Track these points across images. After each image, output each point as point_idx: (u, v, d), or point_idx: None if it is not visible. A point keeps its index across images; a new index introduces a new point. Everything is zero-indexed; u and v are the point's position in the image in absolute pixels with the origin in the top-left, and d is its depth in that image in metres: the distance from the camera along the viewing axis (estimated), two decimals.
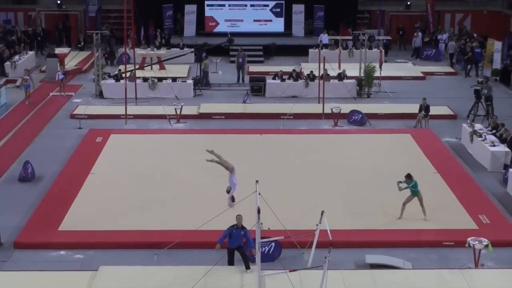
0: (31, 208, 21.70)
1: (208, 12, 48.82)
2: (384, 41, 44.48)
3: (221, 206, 18.53)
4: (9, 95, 34.27)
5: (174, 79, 35.93)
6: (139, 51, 40.18)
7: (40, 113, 32.68)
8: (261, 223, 15.62)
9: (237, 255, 17.77)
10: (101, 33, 38.24)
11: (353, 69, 37.43)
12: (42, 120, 31.53)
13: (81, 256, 18.97)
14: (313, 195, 22.56)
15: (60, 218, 20.84)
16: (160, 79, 35.51)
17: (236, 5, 48.90)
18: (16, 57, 40.54)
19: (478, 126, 27.92)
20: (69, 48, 44.41)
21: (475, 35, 45.58)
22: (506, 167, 24.81)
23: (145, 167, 25.27)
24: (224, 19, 48.81)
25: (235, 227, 17.52)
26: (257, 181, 17.20)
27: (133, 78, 34.15)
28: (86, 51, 44.87)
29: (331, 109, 30.81)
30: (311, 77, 35.64)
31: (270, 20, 48.91)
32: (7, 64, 39.18)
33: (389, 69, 39.87)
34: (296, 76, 36.11)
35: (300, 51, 44.23)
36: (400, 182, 20.66)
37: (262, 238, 15.78)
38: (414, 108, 31.29)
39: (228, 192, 19.55)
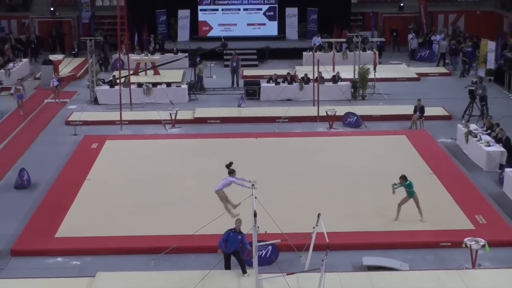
0: (28, 215, 21.66)
1: (201, 16, 48.85)
2: (378, 42, 44.52)
3: (217, 211, 18.50)
4: (3, 103, 34.23)
5: (168, 84, 35.93)
6: (133, 57, 40.14)
7: (35, 120, 32.66)
8: (258, 227, 15.63)
9: (233, 259, 17.76)
10: (95, 40, 38.33)
11: (347, 71, 37.47)
12: (37, 127, 31.51)
13: (78, 262, 18.95)
14: (309, 198, 22.56)
15: (57, 224, 20.82)
16: (155, 85, 35.50)
17: (230, 9, 48.94)
18: (10, 64, 40.50)
19: (473, 126, 27.97)
20: (63, 55, 44.36)
21: (466, 35, 45.80)
22: (501, 167, 24.84)
23: (141, 173, 25.25)
24: (217, 23, 48.85)
25: (232, 231, 17.51)
26: (253, 185, 17.20)
27: (127, 84, 34.13)
28: (80, 58, 44.86)
29: (326, 112, 30.83)
30: (305, 80, 35.66)
31: (264, 24, 48.96)
32: (1, 71, 39.11)
33: (383, 70, 39.94)
34: (290, 79, 36.14)
35: (294, 54, 44.32)
36: (395, 184, 20.67)
37: (259, 241, 15.78)
38: (409, 109, 31.33)
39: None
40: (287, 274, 16.13)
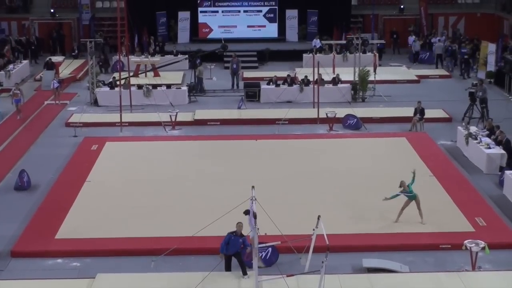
0: (28, 217, 21.66)
1: (201, 18, 48.84)
2: (378, 45, 44.54)
3: (217, 212, 18.49)
4: (3, 105, 34.21)
5: (168, 86, 35.93)
6: (133, 59, 40.16)
7: (35, 121, 32.65)
8: (258, 229, 15.63)
9: (234, 261, 17.76)
10: (95, 41, 38.28)
11: (348, 74, 37.47)
12: (37, 128, 31.50)
13: (78, 264, 18.95)
14: (309, 200, 22.56)
15: (57, 226, 20.82)
16: (155, 86, 35.51)
17: (230, 11, 48.93)
18: (10, 66, 40.48)
19: (473, 128, 27.96)
20: (63, 57, 44.34)
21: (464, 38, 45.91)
22: (501, 169, 24.84)
23: (141, 174, 25.26)
24: (217, 25, 48.83)
25: (234, 234, 17.51)
26: (253, 187, 17.22)
27: (127, 85, 34.12)
28: (80, 59, 44.81)
29: (326, 114, 30.84)
30: (305, 82, 35.66)
31: (264, 26, 48.95)
32: (1, 73, 39.11)
33: (384, 72, 39.95)
34: (290, 81, 36.13)
35: (294, 56, 44.31)
36: (397, 195, 20.63)
37: (259, 243, 15.78)
38: (409, 111, 31.32)
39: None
40: (287, 276, 16.15)
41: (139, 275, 17.83)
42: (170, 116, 31.23)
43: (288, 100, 34.86)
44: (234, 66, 38.94)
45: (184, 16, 48.38)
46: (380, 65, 40.79)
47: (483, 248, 17.71)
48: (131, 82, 35.27)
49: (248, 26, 48.88)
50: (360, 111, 32.10)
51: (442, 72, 42.50)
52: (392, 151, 27.60)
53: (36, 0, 50.50)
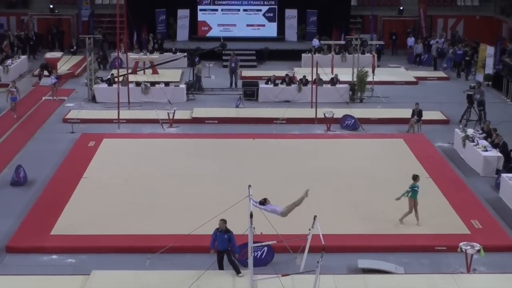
0: (23, 212, 21.65)
1: (201, 16, 48.86)
2: (377, 46, 44.56)
3: (213, 211, 18.47)
4: (1, 100, 34.17)
5: (167, 84, 35.92)
6: (132, 56, 40.16)
7: (33, 117, 32.63)
8: (254, 228, 15.62)
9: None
10: (94, 38, 38.26)
11: (346, 74, 37.50)
12: (35, 124, 31.48)
13: (73, 260, 18.94)
14: (305, 200, 22.45)
15: (53, 222, 20.80)
16: (153, 84, 35.51)
17: (229, 9, 48.96)
18: (9, 61, 40.43)
19: (470, 131, 27.99)
20: (62, 53, 44.31)
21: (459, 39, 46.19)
22: (498, 172, 24.86)
23: (138, 172, 25.24)
24: (217, 23, 48.86)
25: (219, 230, 17.60)
26: (249, 186, 17.20)
27: (125, 82, 34.11)
28: (79, 56, 44.80)
29: (324, 114, 30.85)
30: (304, 81, 35.67)
31: (263, 25, 48.98)
32: (0, 68, 39.08)
33: (382, 74, 39.99)
34: (289, 80, 36.13)
35: (293, 56, 44.30)
36: (407, 192, 20.68)
37: (254, 242, 15.77)
38: (406, 113, 31.33)
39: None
40: (282, 276, 16.12)
41: (134, 272, 17.82)
42: (168, 113, 31.22)
43: (286, 100, 34.87)
44: (233, 64, 38.95)
45: (183, 14, 48.39)
46: (378, 66, 40.81)
47: (478, 251, 17.72)
48: (130, 79, 35.24)
49: (247, 25, 48.92)
50: (358, 112, 32.10)
51: (440, 74, 42.57)
52: (389, 153, 27.61)
53: None
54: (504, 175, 23.54)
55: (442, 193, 23.36)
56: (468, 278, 17.66)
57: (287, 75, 37.02)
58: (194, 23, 48.77)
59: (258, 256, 18.26)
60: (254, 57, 44.85)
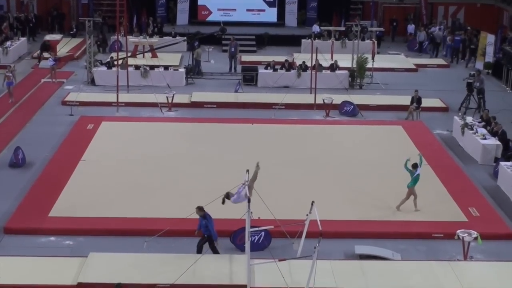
0: (22, 194, 21.68)
1: (201, 0, 48.64)
2: (377, 32, 44.47)
3: (211, 195, 18.48)
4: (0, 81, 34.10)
5: (166, 68, 35.85)
6: (132, 39, 40.06)
7: (32, 99, 32.58)
8: (252, 212, 15.64)
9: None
10: (94, 20, 38.14)
11: (346, 60, 37.42)
12: (34, 106, 31.44)
13: (71, 242, 18.99)
14: (303, 185, 22.57)
15: (51, 204, 20.83)
16: (152, 67, 35.45)
17: None
18: (8, 43, 40.34)
19: (469, 119, 27.99)
20: (61, 35, 44.19)
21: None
22: (496, 160, 24.88)
23: (136, 155, 25.24)
24: (217, 8, 48.66)
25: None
26: (247, 171, 17.23)
27: (125, 66, 34.04)
28: (78, 38, 44.66)
29: (323, 100, 30.83)
30: (303, 67, 35.63)
31: (263, 10, 48.80)
32: None
33: (382, 60, 39.92)
34: (288, 66, 36.09)
35: (293, 41, 44.19)
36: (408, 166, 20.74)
37: (252, 227, 15.80)
38: (406, 100, 31.30)
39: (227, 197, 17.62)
40: (279, 261, 16.18)
41: (131, 255, 17.85)
42: (167, 97, 31.19)
43: (286, 85, 34.81)
44: (232, 49, 38.88)
45: None
46: (378, 53, 40.72)
47: (476, 238, 17.78)
48: (129, 63, 35.17)
49: (248, 10, 48.72)
50: (357, 98, 32.07)
51: (440, 61, 42.51)
52: (388, 139, 27.61)
53: None
54: (502, 163, 23.56)
55: (440, 181, 23.37)
56: (465, 265, 17.71)
57: (286, 60, 36.98)
58: (194, 7, 48.59)
59: (255, 241, 18.30)
60: (253, 42, 44.74)
